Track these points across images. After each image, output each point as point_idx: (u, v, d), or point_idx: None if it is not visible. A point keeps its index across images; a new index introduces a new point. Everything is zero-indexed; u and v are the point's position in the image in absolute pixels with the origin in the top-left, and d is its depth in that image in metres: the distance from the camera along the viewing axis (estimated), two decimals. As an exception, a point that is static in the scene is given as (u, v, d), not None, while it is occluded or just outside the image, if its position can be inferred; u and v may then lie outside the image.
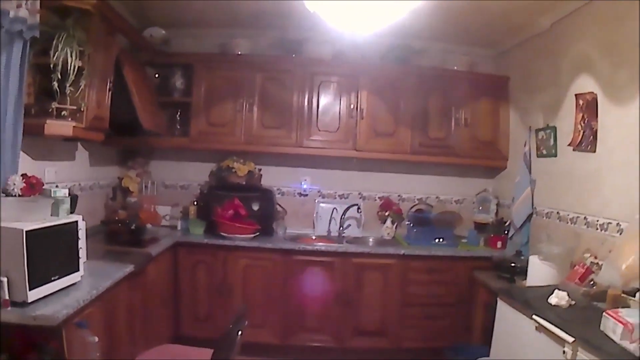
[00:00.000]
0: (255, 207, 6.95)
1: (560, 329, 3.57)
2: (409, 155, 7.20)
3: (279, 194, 7.55)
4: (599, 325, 3.41)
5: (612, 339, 3.23)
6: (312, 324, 6.51)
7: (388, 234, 7.38)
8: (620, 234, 4.59)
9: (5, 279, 3.16)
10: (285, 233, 7.10)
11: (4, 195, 3.74)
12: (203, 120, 6.94)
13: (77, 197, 4.27)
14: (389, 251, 6.62)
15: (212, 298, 6.44)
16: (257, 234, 6.67)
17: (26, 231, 3.21)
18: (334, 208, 7.51)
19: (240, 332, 3.40)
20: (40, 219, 3.53)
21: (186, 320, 6.47)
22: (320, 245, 6.70)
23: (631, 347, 3.05)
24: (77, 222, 3.90)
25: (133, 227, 5.88)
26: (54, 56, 4.30)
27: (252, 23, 7.14)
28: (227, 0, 6.25)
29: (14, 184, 3.75)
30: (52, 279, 3.49)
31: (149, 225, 6.37)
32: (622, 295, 3.79)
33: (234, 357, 3.33)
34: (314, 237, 7.33)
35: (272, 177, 7.48)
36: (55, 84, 4.34)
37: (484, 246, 7.00)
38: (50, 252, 3.51)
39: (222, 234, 6.50)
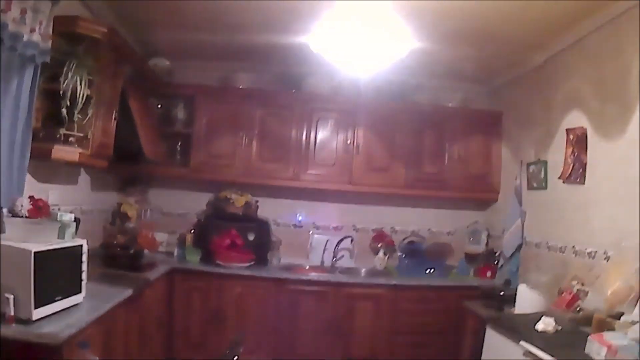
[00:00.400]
0: (251, 237, 7.05)
1: (547, 353, 3.64)
2: (402, 189, 7.33)
3: (274, 224, 7.59)
4: (584, 349, 3.48)
5: (596, 361, 3.32)
6: (304, 351, 6.55)
7: (380, 264, 7.42)
8: (607, 261, 4.70)
9: (11, 297, 3.22)
10: (279, 263, 7.18)
11: (10, 215, 3.85)
12: (203, 151, 7.03)
13: (80, 221, 4.35)
14: (381, 281, 6.74)
15: (206, 324, 6.48)
16: (252, 263, 6.76)
17: (34, 252, 3.30)
18: (328, 239, 7.59)
19: (236, 358, 3.47)
20: (47, 241, 3.59)
21: (180, 344, 6.50)
22: (313, 275, 6.79)
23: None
24: (82, 245, 3.99)
25: (131, 252, 5.99)
26: (63, 83, 4.38)
27: (253, 57, 7.24)
28: (230, 33, 6.35)
29: (22, 206, 3.86)
30: (56, 299, 3.56)
31: (146, 251, 6.44)
32: (608, 319, 3.86)
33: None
34: (307, 267, 7.39)
35: (268, 208, 7.54)
36: (64, 111, 4.43)
37: (474, 276, 7.10)
38: (55, 273, 3.58)
39: (218, 262, 6.58)
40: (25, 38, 3.80)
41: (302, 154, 7.16)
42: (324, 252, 7.57)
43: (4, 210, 3.86)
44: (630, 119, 4.65)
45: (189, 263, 6.71)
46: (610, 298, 4.06)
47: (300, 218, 7.75)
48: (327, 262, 7.51)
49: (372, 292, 6.66)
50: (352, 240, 7.56)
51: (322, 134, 7.23)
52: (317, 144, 7.20)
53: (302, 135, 7.18)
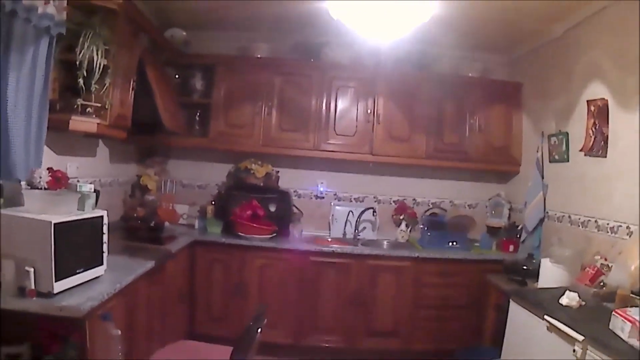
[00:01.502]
0: (272, 209, 7.00)
1: (571, 328, 3.62)
2: (423, 160, 7.24)
3: (295, 196, 7.59)
4: (608, 324, 3.47)
5: (620, 337, 3.29)
6: (326, 324, 6.55)
7: (402, 237, 7.40)
8: (630, 236, 4.65)
9: (32, 269, 3.21)
10: (301, 235, 7.13)
11: (29, 187, 3.80)
12: (222, 121, 6.99)
13: (99, 193, 4.31)
14: (403, 254, 6.66)
15: (228, 297, 6.47)
16: (274, 234, 6.72)
17: (54, 223, 3.27)
18: (350, 211, 7.55)
19: (259, 330, 3.43)
20: (66, 213, 3.57)
21: (201, 318, 6.50)
22: (336, 247, 6.71)
23: (638, 343, 3.10)
24: (102, 216, 3.97)
25: (152, 224, 5.98)
26: (80, 53, 4.36)
27: (272, 26, 7.19)
28: (247, 2, 6.26)
29: (40, 177, 3.82)
30: (77, 271, 3.56)
31: (167, 223, 6.43)
32: (631, 295, 3.84)
33: (252, 355, 3.36)
34: (329, 239, 7.36)
35: (289, 179, 7.51)
36: (81, 81, 4.39)
37: (496, 250, 7.03)
38: (76, 245, 3.56)
39: (240, 233, 6.54)
40: (40, 10, 3.81)
41: (322, 124, 7.09)
42: (345, 224, 7.55)
43: (22, 183, 3.83)
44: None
45: (211, 235, 6.65)
46: (633, 274, 4.06)
47: (321, 189, 7.71)
48: (349, 234, 7.48)
49: (394, 265, 6.60)
50: (374, 212, 7.50)
51: (342, 103, 7.15)
52: (337, 114, 7.12)
53: (321, 104, 7.11)
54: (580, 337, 3.47)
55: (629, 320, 3.25)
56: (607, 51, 5.33)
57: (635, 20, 4.82)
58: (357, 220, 7.43)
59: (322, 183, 7.72)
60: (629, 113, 4.90)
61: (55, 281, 3.28)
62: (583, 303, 4.08)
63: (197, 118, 7.25)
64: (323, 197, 7.74)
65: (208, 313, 6.51)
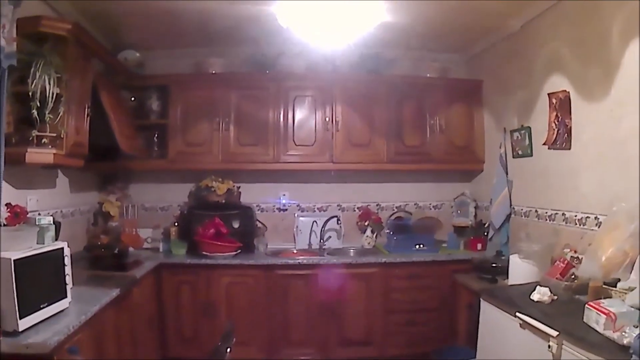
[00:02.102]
0: (236, 225, 6.97)
1: (544, 323, 3.64)
2: (385, 164, 7.26)
3: (258, 210, 7.56)
4: (582, 318, 3.48)
5: (595, 330, 3.30)
6: (298, 337, 6.53)
7: (369, 243, 7.41)
8: (599, 227, 4.66)
9: (-5, 309, 3.15)
10: (266, 249, 7.11)
11: (-12, 225, 3.76)
12: (180, 140, 6.95)
13: (60, 224, 4.27)
14: (370, 260, 6.67)
15: (197, 317, 6.42)
16: (239, 251, 6.68)
17: (14, 260, 3.22)
18: (314, 221, 7.53)
19: (228, 349, 3.41)
20: (26, 247, 3.53)
21: (173, 341, 6.45)
22: (302, 259, 6.70)
23: (615, 335, 3.09)
24: (62, 248, 3.91)
25: (116, 251, 5.94)
26: (32, 84, 4.32)
27: (224, 41, 7.18)
28: (198, 17, 6.24)
29: (-1, 214, 3.77)
30: (41, 306, 3.50)
31: (131, 249, 6.39)
32: (604, 286, 3.85)
33: (224, 375, 3.33)
34: (295, 251, 7.35)
35: (251, 193, 7.48)
36: (35, 112, 4.35)
37: (464, 249, 7.09)
38: (38, 280, 3.52)
39: (204, 253, 6.49)
40: None
41: (281, 135, 7.08)
42: (310, 234, 7.53)
43: (-18, 221, 3.80)
44: (614, 79, 4.60)
45: (175, 257, 6.61)
46: (605, 264, 4.03)
47: (284, 201, 7.69)
48: (315, 245, 7.45)
49: (362, 272, 6.61)
50: (338, 220, 7.50)
51: (300, 113, 7.15)
52: (295, 124, 7.13)
53: (279, 116, 7.10)
54: (555, 333, 3.48)
55: (603, 313, 3.25)
56: (566, 42, 5.36)
57: (593, 9, 4.85)
58: (322, 230, 7.40)
59: (284, 195, 7.70)
60: (591, 103, 4.93)
61: (20, 319, 3.23)
62: (555, 297, 4.11)
63: (156, 139, 7.19)
64: (286, 209, 7.72)
65: (179, 335, 6.46)
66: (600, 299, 3.63)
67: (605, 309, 3.28)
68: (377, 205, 7.87)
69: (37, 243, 3.76)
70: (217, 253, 6.48)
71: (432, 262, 6.67)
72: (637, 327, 3.11)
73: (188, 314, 6.44)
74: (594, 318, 3.34)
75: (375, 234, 7.49)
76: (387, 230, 7.47)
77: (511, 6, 5.88)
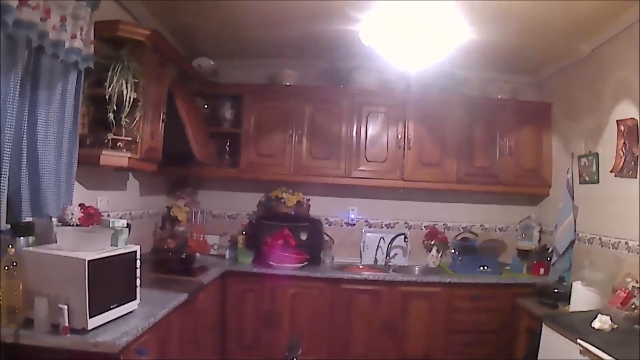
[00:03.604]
0: (304, 237, 6.99)
1: (604, 352, 3.60)
2: (454, 185, 7.22)
3: (326, 223, 7.56)
4: None
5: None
6: (359, 350, 6.50)
7: (433, 262, 7.34)
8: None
9: (65, 307, 3.18)
10: (332, 262, 7.10)
11: (61, 224, 3.80)
12: (252, 151, 7.00)
13: (131, 227, 4.31)
14: (435, 279, 6.62)
15: (260, 326, 6.45)
16: (306, 263, 6.69)
17: (88, 261, 3.26)
18: (381, 237, 7.51)
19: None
20: (100, 249, 3.56)
21: (232, 347, 6.48)
22: (367, 274, 6.69)
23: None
24: (135, 252, 3.96)
25: (183, 256, 5.99)
26: (109, 87, 4.37)
27: (299, 53, 7.22)
28: (273, 29, 6.30)
29: (72, 214, 3.81)
30: (111, 307, 3.54)
31: (198, 254, 6.42)
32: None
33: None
34: (360, 266, 7.33)
35: (320, 206, 7.49)
36: (111, 115, 4.38)
37: (527, 273, 6.98)
38: (109, 281, 3.56)
39: (271, 263, 6.52)
40: (66, 45, 3.86)
41: (352, 150, 7.08)
42: (377, 250, 7.51)
43: (54, 220, 3.83)
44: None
45: (242, 265, 6.64)
46: None
47: (352, 216, 7.68)
48: (381, 261, 7.42)
49: (426, 291, 6.56)
50: (405, 238, 7.45)
51: (372, 129, 7.14)
52: (367, 140, 7.11)
53: (352, 131, 7.10)
54: None
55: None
56: (636, 69, 5.27)
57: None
58: (388, 247, 7.37)
59: (353, 210, 7.69)
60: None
61: (90, 317, 3.27)
62: (615, 326, 4.06)
63: (227, 148, 7.25)
64: (354, 224, 7.71)
65: (240, 342, 6.48)
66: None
67: None
68: (443, 224, 7.82)
69: (110, 245, 3.80)
70: (283, 264, 6.49)
71: (495, 285, 6.60)
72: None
73: (250, 322, 6.45)
74: None
75: (440, 254, 7.42)
76: (453, 250, 7.39)
77: (582, 30, 5.84)
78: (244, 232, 7.11)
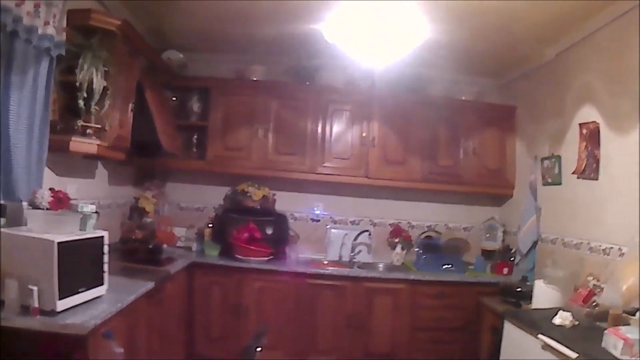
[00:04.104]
0: (269, 231, 7.03)
1: (565, 346, 3.68)
2: (418, 183, 7.31)
3: (292, 219, 7.60)
4: (601, 343, 3.54)
5: (613, 355, 3.36)
6: (324, 345, 6.55)
7: (398, 259, 7.38)
8: (622, 257, 4.67)
9: (35, 288, 3.21)
10: (297, 257, 7.11)
11: (31, 207, 3.82)
12: (219, 144, 7.02)
13: (99, 214, 4.33)
14: (399, 276, 6.69)
15: (226, 319, 6.47)
16: (271, 257, 6.73)
17: (58, 242, 3.29)
18: (346, 234, 7.56)
19: (259, 349, 3.44)
20: (69, 233, 3.59)
21: (200, 339, 6.50)
22: (332, 270, 6.75)
23: (631, 360, 3.14)
24: (103, 237, 3.99)
25: (150, 246, 5.97)
26: (79, 75, 4.39)
27: (267, 49, 7.23)
28: (243, 25, 6.34)
29: (42, 198, 3.82)
30: (79, 290, 3.57)
31: (165, 246, 6.40)
32: (623, 314, 3.89)
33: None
34: (325, 262, 7.37)
35: (285, 202, 7.53)
36: (81, 102, 4.42)
37: (491, 272, 7.08)
38: (78, 265, 3.58)
39: (237, 256, 6.55)
40: (40, 31, 3.87)
41: (318, 147, 7.15)
42: (341, 247, 7.53)
43: (25, 203, 3.85)
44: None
45: (208, 257, 6.68)
46: (625, 294, 4.11)
47: (317, 212, 7.74)
48: (345, 257, 7.46)
49: (390, 287, 6.64)
50: (369, 235, 7.52)
51: (338, 126, 7.21)
52: (332, 137, 7.19)
53: (317, 127, 7.17)
54: (574, 355, 3.53)
55: (621, 338, 3.33)
56: (599, 74, 5.41)
57: (627, 42, 4.89)
58: (352, 243, 7.43)
59: (318, 206, 7.74)
60: (620, 136, 4.97)
61: (59, 299, 3.30)
62: (576, 323, 4.16)
63: (195, 140, 7.29)
64: (319, 220, 7.76)
65: (207, 334, 6.51)
66: (619, 326, 3.69)
67: (623, 335, 3.35)
68: (408, 223, 7.89)
69: (79, 229, 3.83)
70: (249, 257, 6.54)
71: (459, 283, 6.70)
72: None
73: (217, 314, 6.48)
74: (612, 343, 3.42)
75: (404, 251, 7.47)
76: (417, 249, 7.47)
77: (547, 34, 5.96)
78: (210, 225, 7.12)
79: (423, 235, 7.69)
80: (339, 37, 5.03)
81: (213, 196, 7.61)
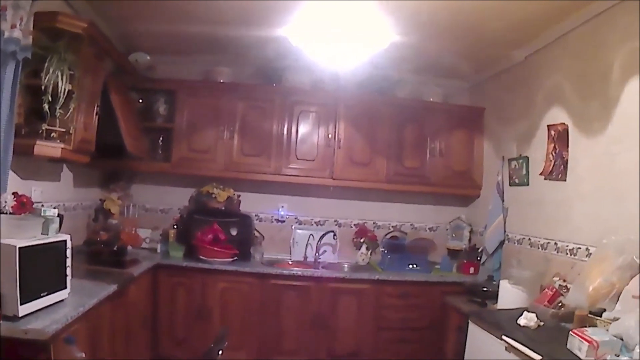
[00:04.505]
0: (234, 232, 7.04)
1: (529, 347, 3.68)
2: (384, 184, 7.34)
3: (256, 219, 7.63)
4: (566, 344, 3.53)
5: (577, 357, 3.35)
6: (289, 346, 6.58)
7: (363, 259, 7.45)
8: (589, 258, 4.72)
9: (-4, 293, 3.22)
10: (262, 258, 7.17)
11: (-6, 212, 3.84)
12: (184, 146, 7.02)
13: (63, 217, 4.33)
14: (364, 276, 6.74)
15: (191, 320, 6.48)
16: (235, 258, 6.75)
17: (19, 247, 3.29)
18: (311, 234, 7.61)
19: (220, 352, 3.47)
20: (30, 237, 3.59)
21: (164, 341, 6.50)
22: (297, 270, 6.77)
23: (595, 363, 3.17)
24: (66, 241, 3.97)
25: (115, 248, 5.97)
26: (45, 78, 4.38)
27: (234, 51, 7.22)
28: (209, 27, 6.33)
29: (5, 202, 3.85)
30: (41, 295, 3.56)
31: (129, 247, 6.40)
32: (589, 315, 3.90)
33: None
34: (290, 262, 7.40)
35: (250, 203, 7.55)
36: (46, 106, 4.41)
37: (457, 272, 7.16)
38: (40, 269, 3.58)
39: (201, 257, 6.57)
40: (6, 34, 3.81)
41: (283, 148, 7.17)
42: (306, 247, 7.59)
43: (-13, 208, 3.87)
44: (612, 115, 4.70)
45: (173, 259, 6.67)
46: (591, 294, 4.10)
47: (282, 212, 7.77)
48: (310, 257, 7.52)
49: (355, 287, 6.68)
50: (334, 235, 7.58)
51: (304, 128, 7.24)
52: (298, 138, 7.21)
53: (283, 129, 7.19)
54: (538, 357, 3.52)
55: (586, 340, 3.31)
56: (568, 76, 5.47)
57: (595, 45, 4.97)
58: (317, 244, 7.49)
59: (283, 207, 7.77)
60: (589, 138, 5.02)
61: (20, 304, 3.30)
62: (541, 323, 4.16)
63: (161, 143, 7.27)
64: (284, 221, 7.79)
65: (171, 336, 6.51)
66: (585, 327, 3.69)
67: (589, 337, 3.33)
68: (373, 223, 7.94)
69: (41, 233, 3.83)
70: (214, 258, 6.55)
71: (425, 283, 6.73)
72: (618, 356, 3.21)
73: (181, 316, 6.48)
74: (577, 345, 3.39)
75: (370, 252, 7.52)
76: (382, 249, 7.53)
77: (516, 37, 5.99)
78: (175, 227, 7.12)
79: (388, 235, 7.76)
80: (303, 40, 5.08)
81: (178, 198, 7.61)
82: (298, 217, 7.84)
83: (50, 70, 4.42)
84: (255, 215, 7.65)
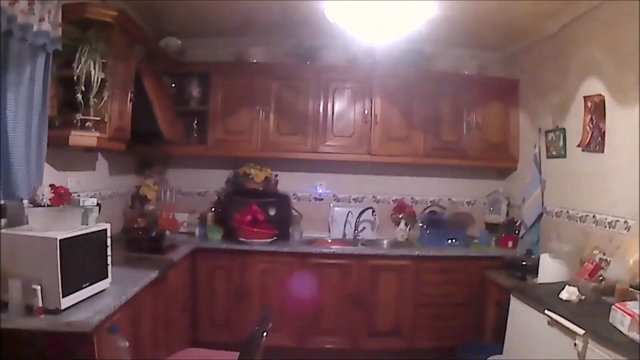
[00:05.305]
0: (272, 212, 7.05)
1: (572, 322, 3.65)
2: (421, 159, 7.28)
3: (294, 199, 7.62)
4: (608, 318, 3.49)
5: (620, 331, 3.32)
6: (328, 326, 6.59)
7: (402, 236, 7.43)
8: (628, 231, 4.68)
9: (39, 287, 3.22)
10: (301, 237, 7.18)
11: (32, 205, 3.84)
12: (220, 128, 7.01)
13: (101, 206, 4.33)
14: (403, 252, 6.71)
15: (230, 303, 6.51)
16: (274, 238, 6.75)
17: (60, 239, 3.28)
18: (349, 211, 7.59)
19: (265, 334, 3.47)
20: (70, 228, 3.58)
21: (204, 325, 6.54)
22: (336, 248, 6.80)
23: (638, 337, 3.13)
24: (106, 230, 3.98)
25: (153, 234, 5.97)
26: (77, 68, 4.39)
27: (266, 31, 7.20)
28: (240, 6, 6.30)
29: (43, 195, 3.86)
30: (83, 286, 3.57)
31: (167, 232, 6.45)
32: (630, 289, 3.86)
33: (258, 358, 3.39)
34: (329, 241, 7.41)
35: (288, 182, 7.55)
36: (79, 96, 4.42)
37: (496, 246, 7.07)
38: (81, 260, 3.58)
39: (240, 239, 6.56)
40: (35, 28, 3.83)
41: (319, 126, 7.13)
42: (345, 225, 7.58)
43: (25, 201, 3.88)
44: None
45: (211, 242, 6.69)
46: (632, 268, 4.06)
47: (320, 191, 7.75)
48: (349, 235, 7.51)
49: (395, 264, 6.65)
50: (373, 212, 7.53)
51: (339, 105, 7.18)
52: (334, 115, 7.16)
53: (319, 107, 7.14)
54: (581, 331, 3.50)
55: (629, 314, 3.27)
56: (603, 47, 5.36)
57: (630, 15, 4.85)
58: (356, 221, 7.46)
59: (320, 185, 7.76)
60: (625, 108, 4.93)
61: (63, 297, 3.30)
62: (583, 297, 4.11)
63: (195, 126, 7.27)
64: (322, 199, 7.78)
65: (211, 320, 6.55)
66: (626, 301, 3.64)
67: (631, 310, 3.30)
68: (411, 198, 7.89)
69: (81, 224, 3.83)
70: (253, 239, 6.54)
71: (463, 258, 6.70)
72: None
73: (221, 299, 6.52)
74: (619, 319, 3.36)
75: (408, 227, 7.50)
76: (421, 224, 7.48)
77: (550, 8, 5.89)
78: (213, 209, 7.15)
79: (427, 211, 7.70)
80: (340, 16, 5.02)
81: (215, 180, 7.62)
82: (336, 195, 7.81)
83: (82, 60, 4.43)
84: (293, 194, 7.63)
